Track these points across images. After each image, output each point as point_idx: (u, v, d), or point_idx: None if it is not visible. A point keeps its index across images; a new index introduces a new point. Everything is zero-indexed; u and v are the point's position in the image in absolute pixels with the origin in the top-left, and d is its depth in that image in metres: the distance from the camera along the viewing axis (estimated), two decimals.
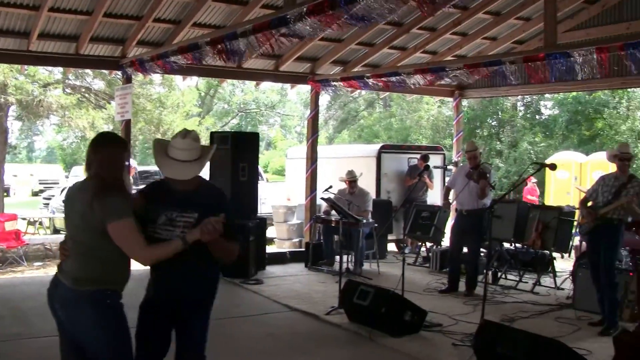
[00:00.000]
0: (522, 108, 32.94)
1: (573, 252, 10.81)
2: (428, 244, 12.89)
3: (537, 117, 32.68)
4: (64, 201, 4.05)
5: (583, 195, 8.30)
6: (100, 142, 3.94)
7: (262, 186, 15.00)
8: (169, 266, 3.96)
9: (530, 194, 17.29)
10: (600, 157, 17.67)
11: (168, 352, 4.24)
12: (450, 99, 16.00)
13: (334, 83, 13.12)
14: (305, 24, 7.67)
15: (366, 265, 11.73)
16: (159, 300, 4.17)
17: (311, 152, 13.53)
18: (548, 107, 33.04)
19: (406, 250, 13.50)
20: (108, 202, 3.72)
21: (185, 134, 4.05)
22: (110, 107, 20.26)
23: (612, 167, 8.73)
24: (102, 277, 3.81)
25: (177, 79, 24.00)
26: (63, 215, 4.23)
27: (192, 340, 4.19)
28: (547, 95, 29.67)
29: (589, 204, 8.09)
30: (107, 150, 3.88)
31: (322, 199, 11.41)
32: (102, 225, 3.71)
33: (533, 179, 13.36)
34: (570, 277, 9.58)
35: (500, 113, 32.26)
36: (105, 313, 3.80)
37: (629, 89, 25.51)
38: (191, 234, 3.88)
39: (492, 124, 32.89)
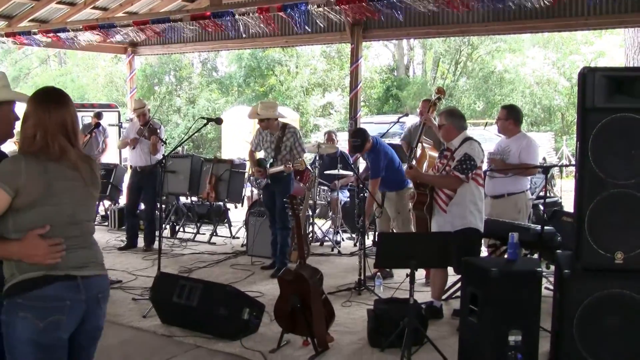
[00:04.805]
0: (199, 65, 33.37)
1: (246, 201, 11.34)
2: (106, 202, 12.70)
3: (215, 74, 33.35)
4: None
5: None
6: None
7: None
8: None
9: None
10: None
11: None
12: (124, 56, 15.78)
13: None
14: None
15: None
16: None
17: None
18: (224, 64, 33.90)
19: None
20: None
21: None
22: None
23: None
24: None
25: None
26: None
27: None
28: (223, 53, 30.38)
29: (257, 156, 8.53)
30: None
31: None
32: None
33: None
34: (244, 226, 10.09)
35: (178, 70, 32.42)
36: None
37: (296, 47, 26.99)
38: None
39: (171, 80, 32.95)
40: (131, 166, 10.10)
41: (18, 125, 3.25)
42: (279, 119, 8.27)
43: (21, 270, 2.96)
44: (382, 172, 7.96)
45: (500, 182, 7.25)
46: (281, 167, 8.07)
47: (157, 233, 9.42)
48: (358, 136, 8.05)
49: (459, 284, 6.62)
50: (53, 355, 3.03)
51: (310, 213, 9.89)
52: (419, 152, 7.72)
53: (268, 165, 8.26)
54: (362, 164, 10.75)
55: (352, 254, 9.42)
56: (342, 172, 10.05)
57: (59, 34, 11.73)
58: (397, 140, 11.25)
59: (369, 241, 9.37)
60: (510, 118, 7.42)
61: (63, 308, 3.00)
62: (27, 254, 2.93)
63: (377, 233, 8.65)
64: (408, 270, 5.22)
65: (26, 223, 2.95)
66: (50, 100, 3.10)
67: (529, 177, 7.64)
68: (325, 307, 5.71)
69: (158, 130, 9.63)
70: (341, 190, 10.52)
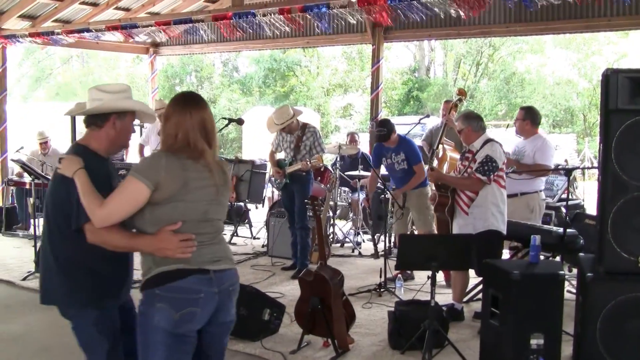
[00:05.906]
0: (220, 65, 33.47)
1: (266, 202, 11.35)
2: None
3: (235, 74, 33.43)
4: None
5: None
6: None
7: None
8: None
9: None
10: None
11: None
12: (146, 56, 15.87)
13: (23, 39, 12.40)
14: None
15: None
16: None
17: (0, 112, 12.75)
18: (245, 64, 33.97)
19: None
20: None
21: None
22: None
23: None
24: None
25: None
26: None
27: None
28: (244, 53, 30.44)
29: (277, 156, 8.53)
30: None
31: (13, 160, 10.84)
32: None
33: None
34: (265, 226, 10.10)
35: (199, 70, 32.52)
36: None
37: (317, 47, 26.97)
38: None
39: (192, 80, 33.09)
40: None
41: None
42: (298, 119, 8.21)
43: (157, 263, 3.12)
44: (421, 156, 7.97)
45: (514, 181, 7.22)
46: (299, 165, 8.07)
47: None
48: (384, 125, 8.02)
49: (480, 286, 6.59)
50: (183, 346, 3.17)
51: (331, 214, 9.88)
52: (440, 153, 7.69)
53: (287, 165, 8.25)
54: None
55: (372, 255, 9.41)
56: (362, 173, 10.04)
57: (81, 34, 11.81)
58: (418, 142, 11.21)
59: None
60: (527, 119, 7.41)
61: (198, 300, 3.12)
62: (158, 248, 3.08)
63: (397, 235, 8.63)
64: (429, 272, 5.21)
65: (162, 216, 3.10)
66: (191, 102, 3.26)
67: (543, 178, 7.60)
68: (345, 308, 5.71)
69: None
70: (362, 191, 10.51)
